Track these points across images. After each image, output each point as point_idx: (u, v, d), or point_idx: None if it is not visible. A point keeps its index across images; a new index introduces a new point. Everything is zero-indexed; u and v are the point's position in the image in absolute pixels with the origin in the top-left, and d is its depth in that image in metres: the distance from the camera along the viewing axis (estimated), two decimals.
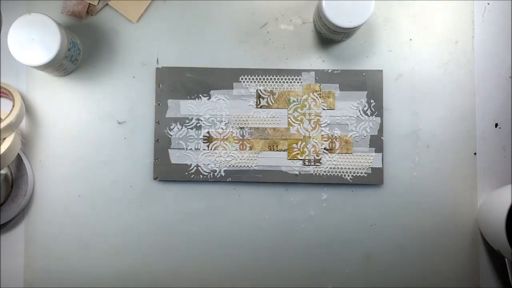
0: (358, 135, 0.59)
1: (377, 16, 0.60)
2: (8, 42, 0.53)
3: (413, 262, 0.59)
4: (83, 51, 0.60)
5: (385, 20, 0.60)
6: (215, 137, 0.59)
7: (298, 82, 0.59)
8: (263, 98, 0.59)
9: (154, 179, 0.59)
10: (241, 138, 0.59)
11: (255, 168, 0.59)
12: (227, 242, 0.59)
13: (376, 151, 0.59)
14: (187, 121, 0.59)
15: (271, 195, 0.59)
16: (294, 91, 0.59)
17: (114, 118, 0.60)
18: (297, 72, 0.59)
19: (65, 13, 0.60)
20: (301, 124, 0.59)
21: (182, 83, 0.59)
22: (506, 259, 0.56)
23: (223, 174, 0.59)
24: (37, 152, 0.60)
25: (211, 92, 0.59)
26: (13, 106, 0.56)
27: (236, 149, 0.59)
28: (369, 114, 0.59)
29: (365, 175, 0.58)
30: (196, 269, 0.59)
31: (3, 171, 0.59)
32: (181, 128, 0.59)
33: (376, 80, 0.59)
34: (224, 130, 0.59)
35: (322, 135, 0.59)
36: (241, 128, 0.59)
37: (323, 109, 0.59)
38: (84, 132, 0.60)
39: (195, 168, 0.59)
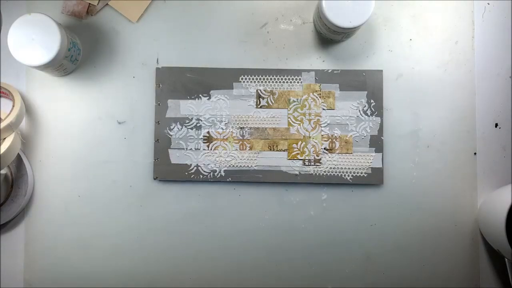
0: (358, 135, 0.59)
1: (377, 16, 0.60)
2: (8, 42, 0.53)
3: (413, 262, 0.59)
4: (83, 51, 0.60)
5: (385, 20, 0.60)
6: (215, 137, 0.59)
7: (298, 82, 0.59)
8: (263, 98, 0.59)
9: (154, 179, 0.59)
10: (241, 138, 0.59)
11: (255, 168, 0.59)
12: (227, 242, 0.59)
13: (376, 151, 0.59)
14: (187, 121, 0.59)
15: (271, 195, 0.59)
16: (294, 91, 0.59)
17: (114, 118, 0.60)
18: (297, 72, 0.59)
19: (65, 13, 0.60)
20: (301, 124, 0.59)
21: (182, 83, 0.59)
22: (506, 259, 0.56)
23: (223, 174, 0.59)
24: (37, 152, 0.60)
25: (211, 92, 0.59)
26: (13, 106, 0.56)
27: (236, 149, 0.59)
28: (369, 114, 0.59)
29: (365, 175, 0.58)
30: (196, 269, 0.59)
31: (3, 171, 0.59)
32: (181, 128, 0.59)
33: (376, 80, 0.59)
34: (224, 130, 0.59)
35: (322, 135, 0.59)
36: (241, 128, 0.59)
37: (323, 109, 0.59)
38: (84, 132, 0.60)
39: (195, 168, 0.59)
